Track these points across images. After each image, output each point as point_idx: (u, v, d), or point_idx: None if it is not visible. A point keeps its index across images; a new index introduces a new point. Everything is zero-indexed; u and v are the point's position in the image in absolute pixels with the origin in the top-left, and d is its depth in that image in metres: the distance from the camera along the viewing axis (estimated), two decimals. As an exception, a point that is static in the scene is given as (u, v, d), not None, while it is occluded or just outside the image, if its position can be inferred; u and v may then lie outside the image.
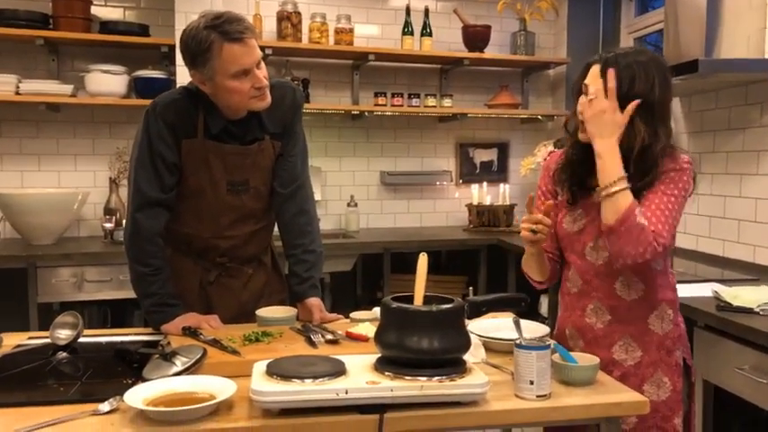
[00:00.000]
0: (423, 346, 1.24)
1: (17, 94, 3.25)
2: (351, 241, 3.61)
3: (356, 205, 3.92)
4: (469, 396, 1.24)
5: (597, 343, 1.57)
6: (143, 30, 3.46)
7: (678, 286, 1.64)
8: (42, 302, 2.99)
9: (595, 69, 1.53)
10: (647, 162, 1.48)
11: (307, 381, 1.21)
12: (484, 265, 3.70)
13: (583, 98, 1.54)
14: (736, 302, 1.93)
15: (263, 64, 1.73)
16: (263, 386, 1.20)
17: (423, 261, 1.39)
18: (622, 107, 1.47)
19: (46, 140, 3.52)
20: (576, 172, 1.60)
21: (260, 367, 1.28)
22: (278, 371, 1.24)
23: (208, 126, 1.78)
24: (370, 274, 3.81)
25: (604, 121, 1.46)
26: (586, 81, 1.54)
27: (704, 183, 2.90)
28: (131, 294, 1.88)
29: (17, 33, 3.21)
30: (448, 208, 4.22)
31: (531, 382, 1.28)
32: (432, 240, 3.63)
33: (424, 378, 1.23)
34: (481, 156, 4.26)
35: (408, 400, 1.22)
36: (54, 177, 3.55)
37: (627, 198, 1.44)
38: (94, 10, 3.46)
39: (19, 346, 1.64)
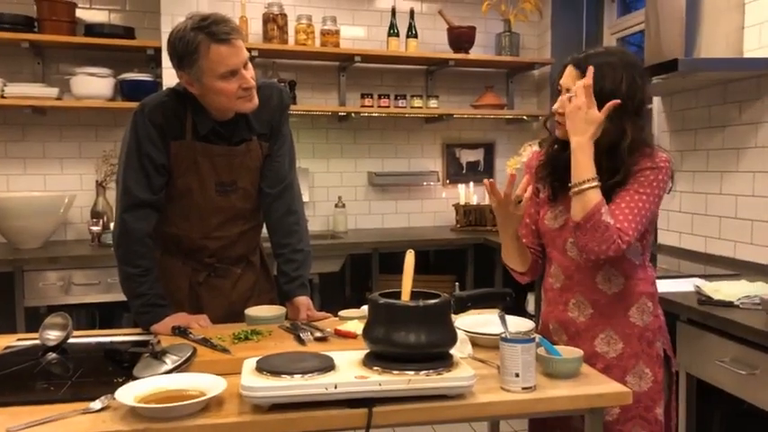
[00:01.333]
0: (410, 340, 1.26)
1: (2, 97, 3.24)
2: (339, 242, 3.63)
3: (344, 206, 3.94)
4: (456, 389, 1.26)
5: (580, 336, 1.61)
6: (129, 32, 3.46)
7: (661, 282, 1.67)
8: (29, 306, 2.99)
9: (569, 70, 1.58)
10: (615, 159, 1.53)
11: (296, 376, 1.22)
12: (471, 264, 3.73)
13: (561, 97, 1.58)
14: (716, 296, 1.97)
15: (250, 65, 1.75)
16: (254, 382, 1.21)
17: (410, 258, 1.42)
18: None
19: (32, 144, 3.51)
20: (557, 168, 1.63)
21: (250, 364, 1.29)
22: (268, 367, 1.25)
23: (196, 127, 1.80)
24: (358, 274, 3.83)
25: (580, 117, 1.50)
26: (561, 81, 1.60)
27: (686, 180, 2.95)
28: (120, 297, 1.88)
29: (1, 36, 3.20)
30: (435, 208, 4.25)
31: (517, 375, 1.30)
32: (419, 240, 3.66)
33: (412, 372, 1.25)
34: (467, 156, 4.30)
35: (396, 394, 1.23)
36: (40, 181, 3.53)
37: (595, 196, 1.47)
38: (79, 13, 3.45)
39: (8, 347, 1.64)
